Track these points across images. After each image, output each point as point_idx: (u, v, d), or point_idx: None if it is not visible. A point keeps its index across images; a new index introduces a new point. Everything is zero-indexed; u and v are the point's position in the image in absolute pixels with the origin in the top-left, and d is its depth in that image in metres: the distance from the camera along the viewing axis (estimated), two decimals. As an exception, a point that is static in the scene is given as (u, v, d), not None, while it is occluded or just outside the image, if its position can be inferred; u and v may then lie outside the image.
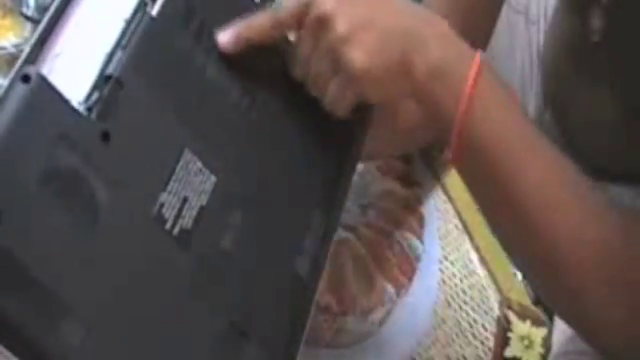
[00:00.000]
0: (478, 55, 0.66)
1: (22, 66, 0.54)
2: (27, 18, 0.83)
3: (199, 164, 0.60)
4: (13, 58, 0.80)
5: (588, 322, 0.67)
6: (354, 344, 0.83)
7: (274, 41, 0.68)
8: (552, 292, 0.70)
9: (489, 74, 0.66)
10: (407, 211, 0.86)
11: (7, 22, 0.83)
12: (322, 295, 0.78)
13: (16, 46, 0.81)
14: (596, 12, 0.82)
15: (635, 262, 0.65)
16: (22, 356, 0.48)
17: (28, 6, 0.84)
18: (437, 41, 0.66)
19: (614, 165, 0.90)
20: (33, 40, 0.56)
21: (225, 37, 0.66)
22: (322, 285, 0.78)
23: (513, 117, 0.67)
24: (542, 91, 0.99)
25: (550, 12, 0.99)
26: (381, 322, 0.83)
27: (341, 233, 0.83)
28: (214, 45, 0.65)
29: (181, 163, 0.59)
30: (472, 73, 0.65)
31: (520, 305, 0.93)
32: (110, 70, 0.57)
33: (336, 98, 0.68)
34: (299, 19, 0.67)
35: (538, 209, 0.66)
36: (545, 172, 0.67)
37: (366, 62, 0.65)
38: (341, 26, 0.65)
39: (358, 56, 0.65)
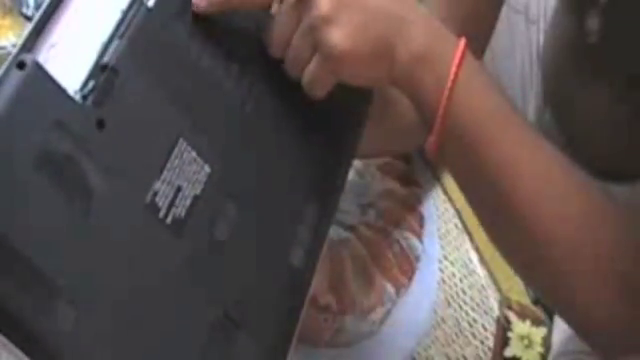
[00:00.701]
0: (462, 41, 0.66)
1: (18, 54, 0.54)
2: (27, 18, 0.84)
3: (193, 154, 0.60)
4: (13, 58, 0.80)
5: (575, 309, 0.68)
6: (354, 344, 0.83)
7: (254, 9, 0.67)
8: (537, 277, 0.70)
9: (471, 60, 0.66)
10: (407, 211, 0.87)
11: (7, 22, 0.83)
12: (322, 294, 0.79)
13: (16, 46, 0.81)
14: (594, 12, 0.82)
15: (620, 248, 0.65)
16: (12, 338, 0.48)
17: (28, 6, 0.84)
18: (420, 26, 0.66)
19: (614, 165, 0.90)
20: (30, 29, 0.56)
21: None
22: (322, 284, 0.78)
23: (495, 100, 0.67)
24: (542, 91, 0.99)
25: (550, 12, 0.99)
26: (381, 322, 0.84)
27: (341, 233, 0.84)
28: (210, 36, 0.65)
29: (175, 152, 0.59)
30: (456, 59, 0.65)
31: (520, 305, 0.93)
32: (106, 59, 0.57)
33: (314, 78, 0.66)
34: None
35: (521, 188, 0.66)
36: (530, 151, 0.67)
37: (347, 43, 0.64)
38: (324, 4, 0.64)
39: (339, 37, 0.64)
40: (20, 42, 0.55)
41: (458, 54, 0.65)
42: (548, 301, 0.78)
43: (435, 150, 0.67)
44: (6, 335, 0.48)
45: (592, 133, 0.91)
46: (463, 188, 0.71)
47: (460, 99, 0.65)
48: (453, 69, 0.65)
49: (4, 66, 0.53)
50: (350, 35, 0.64)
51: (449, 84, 0.64)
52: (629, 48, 0.81)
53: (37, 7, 0.83)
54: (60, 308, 0.50)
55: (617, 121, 0.86)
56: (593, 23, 0.82)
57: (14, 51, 0.55)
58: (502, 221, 0.69)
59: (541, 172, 0.67)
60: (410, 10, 0.67)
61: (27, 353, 0.49)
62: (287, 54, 0.67)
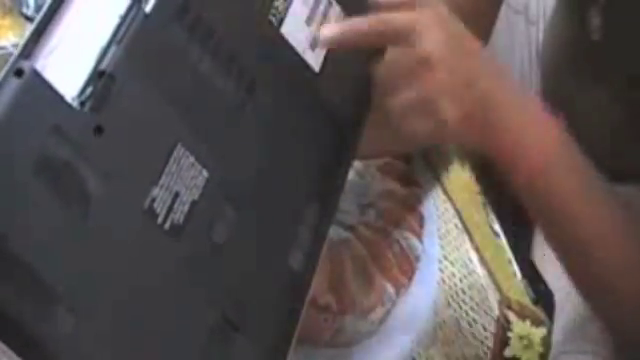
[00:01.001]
0: (558, 126, 0.70)
1: (16, 61, 0.54)
2: (27, 18, 0.83)
3: (192, 159, 0.60)
4: (13, 58, 0.80)
5: None
6: (353, 344, 0.83)
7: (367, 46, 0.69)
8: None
9: (563, 141, 0.70)
10: (407, 211, 0.86)
11: (7, 22, 0.83)
12: (322, 294, 0.79)
13: (16, 46, 0.81)
14: (594, 11, 0.82)
15: None
16: (12, 344, 0.48)
17: (28, 6, 0.84)
18: (519, 109, 0.69)
19: (613, 164, 0.90)
20: (27, 35, 0.56)
21: (329, 33, 0.68)
22: (322, 284, 0.78)
23: (582, 179, 0.72)
24: (541, 90, 0.99)
25: (549, 12, 0.99)
26: (380, 321, 0.83)
27: (341, 233, 0.84)
28: (209, 40, 0.65)
29: (173, 157, 0.59)
30: (549, 147, 0.70)
31: (520, 305, 0.93)
32: (104, 65, 0.57)
33: (416, 135, 0.69)
34: (403, 41, 0.67)
35: (594, 250, 0.72)
36: (610, 221, 0.72)
37: (458, 121, 0.67)
38: (443, 76, 0.66)
39: (454, 113, 0.66)
40: (18, 49, 0.55)
41: (553, 142, 0.70)
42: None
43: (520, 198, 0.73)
44: (5, 341, 0.48)
45: (591, 133, 0.91)
46: (541, 224, 0.78)
47: (548, 180, 0.70)
48: (545, 157, 0.69)
49: (2, 74, 0.53)
50: (463, 114, 0.67)
51: (540, 169, 0.69)
52: (629, 47, 0.81)
53: (37, 7, 0.83)
54: (59, 313, 0.50)
55: (616, 121, 0.86)
56: (594, 21, 0.82)
57: (12, 58, 0.55)
58: (575, 270, 0.76)
59: (620, 244, 0.72)
60: (508, 91, 0.70)
61: (26, 359, 0.49)
62: (397, 100, 0.69)
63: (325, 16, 0.76)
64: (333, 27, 0.68)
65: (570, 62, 0.92)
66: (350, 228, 0.84)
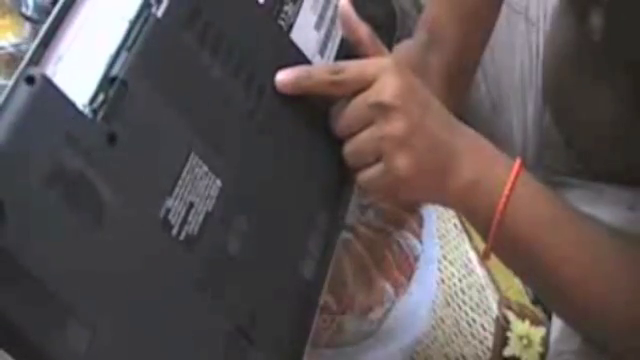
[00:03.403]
0: (517, 165, 0.70)
1: (26, 67, 0.53)
2: (26, 18, 0.83)
3: (205, 168, 0.60)
4: (12, 58, 0.80)
5: None
6: (353, 343, 0.83)
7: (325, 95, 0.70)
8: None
9: (522, 178, 0.70)
10: (406, 211, 0.86)
11: (6, 22, 0.83)
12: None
13: (15, 46, 0.81)
14: (596, 11, 0.82)
15: None
16: (24, 358, 0.47)
17: (27, 6, 0.84)
18: (470, 155, 0.69)
19: (613, 166, 0.90)
20: (37, 41, 0.56)
21: (284, 78, 0.68)
22: (323, 292, 0.78)
23: (544, 209, 0.71)
24: (542, 91, 0.99)
25: (550, 12, 0.99)
26: (380, 321, 0.83)
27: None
28: (219, 46, 0.65)
29: (187, 167, 0.58)
30: (508, 184, 0.69)
31: (519, 304, 0.93)
32: (115, 72, 0.56)
33: (371, 184, 0.70)
34: (359, 89, 0.68)
35: (569, 285, 0.71)
36: (577, 248, 0.72)
37: (411, 171, 0.67)
38: (398, 125, 0.67)
39: (406, 163, 0.67)
40: (27, 55, 0.55)
41: (511, 179, 0.69)
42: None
43: (488, 253, 0.72)
44: (13, 355, 0.47)
45: (592, 133, 0.91)
46: (518, 276, 0.81)
47: (511, 216, 0.69)
48: (505, 192, 0.69)
49: (12, 80, 0.52)
50: (415, 163, 0.67)
51: (501, 207, 0.69)
52: (632, 48, 0.80)
53: (37, 7, 0.83)
54: (73, 328, 0.49)
55: (619, 121, 0.86)
56: (596, 21, 0.82)
57: (21, 64, 0.54)
58: (554, 303, 0.78)
59: (587, 264, 0.72)
60: (461, 138, 0.70)
61: None
62: (350, 145, 0.70)
63: (333, 22, 0.77)
64: (288, 72, 0.68)
65: (571, 62, 0.92)
66: (350, 228, 0.84)
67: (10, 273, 0.47)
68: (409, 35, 0.91)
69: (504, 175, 0.69)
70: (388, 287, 0.82)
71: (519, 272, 0.78)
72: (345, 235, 0.83)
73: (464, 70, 0.89)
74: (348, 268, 0.82)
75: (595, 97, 0.88)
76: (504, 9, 0.92)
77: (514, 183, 0.69)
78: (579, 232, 0.72)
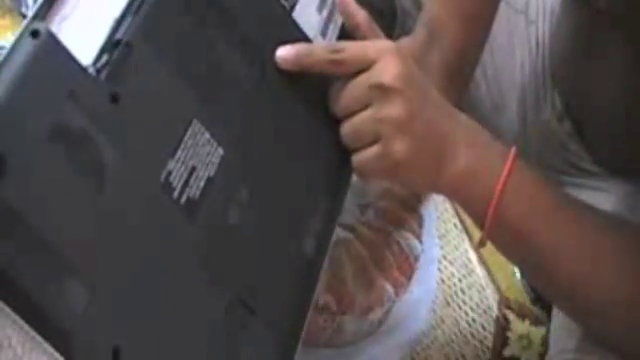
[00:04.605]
0: (512, 152, 0.69)
1: (31, 22, 0.52)
2: (26, 18, 0.83)
3: (207, 135, 0.59)
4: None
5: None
6: (353, 343, 0.83)
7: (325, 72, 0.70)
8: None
9: (518, 166, 0.70)
10: (406, 211, 0.86)
11: (6, 21, 0.83)
12: (321, 294, 0.78)
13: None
14: None
15: None
16: (24, 315, 0.47)
17: (27, 6, 0.84)
18: (466, 142, 0.69)
19: (621, 153, 0.89)
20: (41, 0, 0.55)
21: (285, 53, 0.68)
22: (321, 284, 0.78)
23: (541, 197, 0.71)
24: (551, 79, 0.98)
25: (549, 9, 0.99)
26: (380, 321, 0.83)
27: (340, 233, 0.83)
28: (222, 21, 0.64)
29: (189, 132, 0.58)
30: (504, 171, 0.69)
31: (519, 304, 0.93)
32: (119, 35, 0.56)
33: (367, 166, 0.69)
34: (359, 69, 0.68)
35: (568, 277, 0.71)
36: (574, 238, 0.71)
37: (408, 155, 0.67)
38: (398, 108, 0.67)
39: (403, 146, 0.67)
40: (31, 11, 0.54)
41: (507, 167, 0.69)
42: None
43: (484, 242, 0.72)
44: (18, 313, 0.46)
45: (604, 117, 0.90)
46: (514, 264, 0.79)
47: (507, 205, 0.69)
48: (501, 180, 0.69)
49: (17, 34, 0.51)
50: (413, 148, 0.67)
51: (497, 195, 0.69)
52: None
53: (37, 7, 0.83)
54: (73, 285, 0.49)
55: (631, 105, 0.85)
56: (602, 5, 0.81)
57: (26, 20, 0.53)
58: (553, 294, 0.77)
59: (587, 256, 0.71)
60: (458, 125, 0.70)
61: (39, 332, 0.47)
62: (348, 125, 0.69)
63: (335, 5, 0.77)
64: (289, 49, 0.68)
65: (580, 42, 0.91)
66: (350, 228, 0.84)
67: (10, 225, 0.47)
68: (409, 35, 0.91)
69: (500, 163, 0.69)
70: (388, 287, 0.82)
71: (515, 260, 0.78)
72: (345, 235, 0.83)
73: (463, 69, 0.89)
74: (348, 268, 0.81)
75: (604, 75, 0.87)
76: (504, 8, 0.92)
77: (510, 171, 0.69)
78: (576, 219, 0.71)
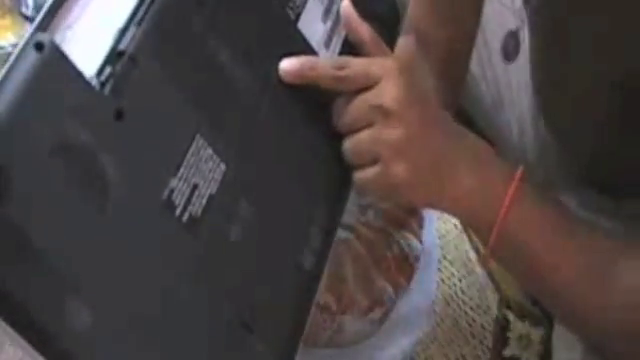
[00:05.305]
0: (519, 174, 0.69)
1: (34, 33, 0.52)
2: (26, 18, 0.83)
3: (210, 151, 0.59)
4: (12, 58, 0.79)
5: None
6: (353, 344, 0.83)
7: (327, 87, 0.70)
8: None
9: (524, 187, 0.69)
10: (406, 211, 0.86)
11: (6, 22, 0.83)
12: (321, 294, 0.78)
13: (15, 46, 0.81)
14: None
15: None
16: (26, 335, 0.47)
17: (27, 6, 0.84)
18: (469, 166, 0.69)
19: (600, 168, 0.89)
20: (45, 8, 0.54)
21: (288, 66, 0.68)
22: (321, 284, 0.78)
23: (544, 215, 0.71)
24: (532, 84, 0.98)
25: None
26: (380, 322, 0.83)
27: (340, 233, 0.83)
28: (227, 31, 0.64)
29: (192, 149, 0.58)
30: (509, 193, 0.69)
31: (519, 304, 0.93)
32: (123, 46, 0.55)
33: (367, 184, 0.69)
34: (362, 87, 0.68)
35: (572, 297, 0.71)
36: (577, 268, 0.71)
37: (409, 179, 0.67)
38: (397, 132, 0.67)
39: (401, 170, 0.67)
40: (36, 20, 0.53)
41: (511, 189, 0.69)
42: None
43: (488, 260, 0.72)
44: (21, 333, 0.46)
45: (579, 131, 0.90)
46: (517, 280, 0.81)
47: (512, 226, 0.69)
48: (505, 204, 0.68)
49: (20, 45, 0.50)
50: (411, 171, 0.67)
51: (500, 218, 0.69)
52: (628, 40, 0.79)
53: (37, 7, 0.83)
54: (74, 305, 0.48)
55: (609, 113, 0.85)
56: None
57: (29, 30, 0.52)
58: (556, 313, 0.78)
59: (584, 269, 0.71)
60: (460, 145, 0.70)
61: (40, 351, 0.47)
62: (349, 143, 0.69)
63: (339, 16, 0.76)
64: (293, 61, 0.68)
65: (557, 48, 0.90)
66: (350, 228, 0.84)
67: (12, 243, 0.47)
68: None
69: (505, 184, 0.69)
70: (388, 287, 0.82)
71: (518, 276, 0.78)
72: (345, 235, 0.83)
73: (451, 75, 0.89)
74: (348, 268, 0.81)
75: (587, 86, 0.87)
76: (497, 6, 0.92)
77: (515, 193, 0.69)
78: (582, 243, 0.71)
